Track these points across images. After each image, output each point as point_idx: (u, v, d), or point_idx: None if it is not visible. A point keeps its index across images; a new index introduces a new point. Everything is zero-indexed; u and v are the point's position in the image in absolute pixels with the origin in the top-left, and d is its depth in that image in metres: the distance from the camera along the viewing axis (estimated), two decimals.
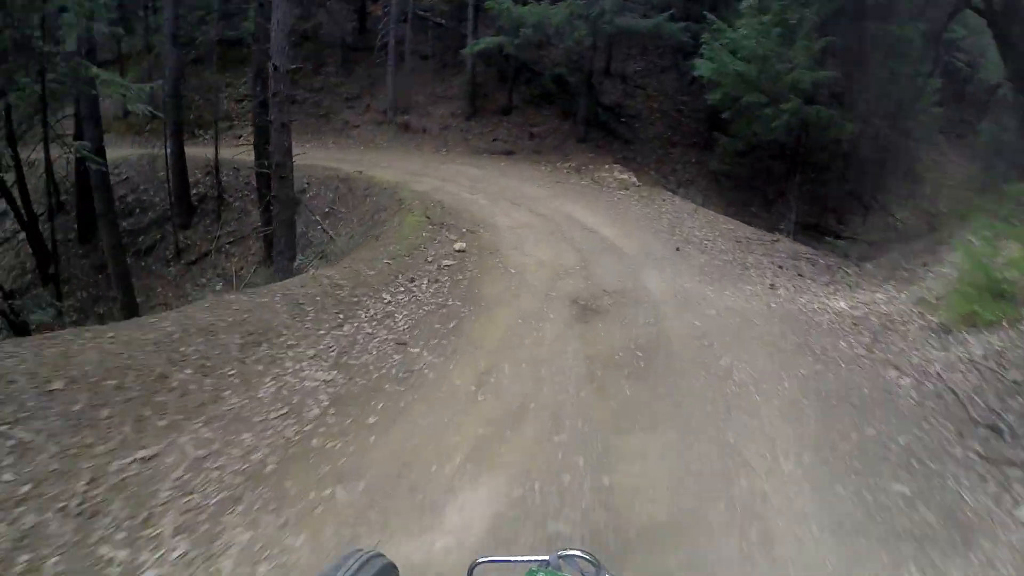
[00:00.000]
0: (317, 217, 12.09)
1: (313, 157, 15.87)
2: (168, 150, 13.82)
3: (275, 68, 8.29)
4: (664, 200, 12.33)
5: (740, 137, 15.77)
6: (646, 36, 22.40)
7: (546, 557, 1.28)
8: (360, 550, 1.12)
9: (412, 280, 7.14)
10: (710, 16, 13.56)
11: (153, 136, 20.85)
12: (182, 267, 13.49)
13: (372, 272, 7.26)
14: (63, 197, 14.63)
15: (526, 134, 17.44)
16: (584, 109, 17.02)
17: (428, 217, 9.53)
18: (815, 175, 18.17)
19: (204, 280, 12.86)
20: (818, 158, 17.24)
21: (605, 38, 15.81)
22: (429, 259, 7.89)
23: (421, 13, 21.99)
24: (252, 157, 14.12)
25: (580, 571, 1.26)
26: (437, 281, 7.18)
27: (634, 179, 14.19)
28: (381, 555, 1.13)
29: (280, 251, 8.99)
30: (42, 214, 14.03)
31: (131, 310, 10.62)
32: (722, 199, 17.11)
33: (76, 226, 13.82)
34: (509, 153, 16.43)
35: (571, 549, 1.28)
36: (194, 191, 15.03)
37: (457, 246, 8.32)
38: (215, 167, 14.60)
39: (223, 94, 21.10)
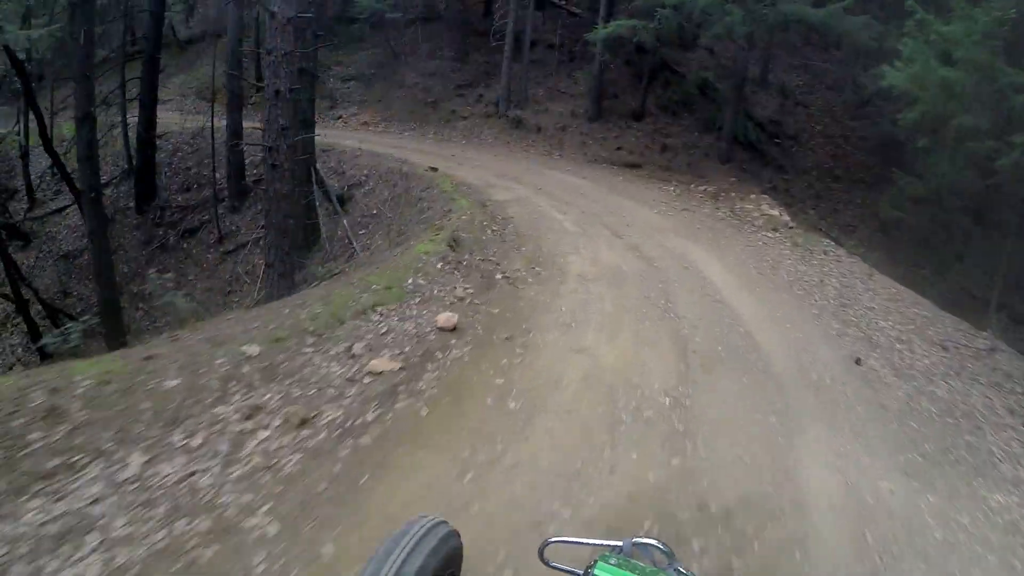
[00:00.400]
0: (346, 221, 10.02)
1: (404, 148, 13.93)
2: (225, 124, 12.20)
3: (272, 15, 6.09)
4: (826, 253, 9.07)
5: (930, 176, 11.97)
6: (815, 35, 18.99)
7: (619, 542, 1.30)
8: (425, 516, 1.22)
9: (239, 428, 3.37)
10: (912, 2, 9.89)
11: (255, 110, 19.94)
12: (219, 255, 11.90)
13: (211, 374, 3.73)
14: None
15: (657, 145, 14.51)
16: (731, 122, 13.83)
17: (452, 245, 6.52)
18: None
19: (240, 272, 11.14)
20: None
21: (764, 30, 12.51)
22: (355, 351, 4.32)
23: (554, 1, 19.62)
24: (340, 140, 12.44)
25: (652, 559, 1.29)
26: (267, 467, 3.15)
27: (786, 217, 10.94)
28: (445, 522, 1.24)
29: (270, 263, 6.82)
30: (108, 183, 13.02)
31: (111, 310, 8.92)
32: (887, 255, 13.35)
33: (135, 195, 12.59)
34: (633, 166, 13.60)
35: (646, 537, 1.34)
36: (254, 172, 13.44)
37: (442, 319, 4.87)
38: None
39: (330, 72, 19.73)
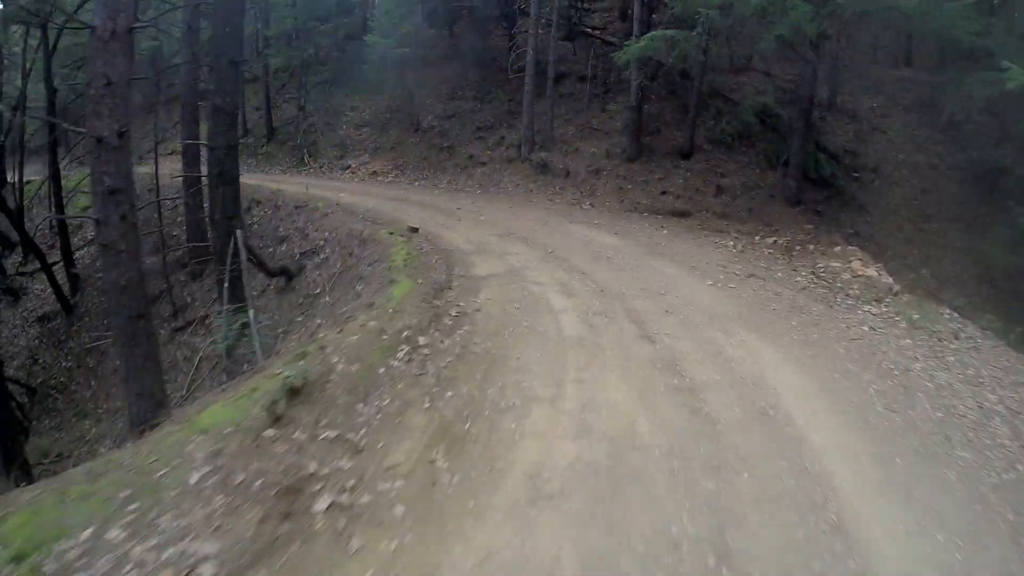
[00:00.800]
0: (253, 315, 7.40)
1: (405, 202, 11.95)
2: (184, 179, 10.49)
3: (92, 30, 4.02)
4: (957, 337, 6.25)
5: None
6: (882, 51, 16.57)
7: None
8: None
9: None
10: None
11: (267, 160, 18.45)
12: (169, 333, 10.02)
13: None
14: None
15: (710, 187, 12.01)
16: (799, 155, 11.21)
17: (276, 410, 3.51)
18: None
19: (189, 352, 9.16)
20: None
21: (837, 26, 9.86)
22: None
23: (587, 30, 17.58)
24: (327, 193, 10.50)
25: None
26: None
27: (887, 278, 8.25)
28: None
29: (125, 377, 4.63)
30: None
31: None
32: (1001, 310, 10.42)
33: None
34: (681, 214, 11.14)
35: None
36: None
37: None
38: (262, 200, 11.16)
39: (344, 119, 18.14)
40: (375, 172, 15.67)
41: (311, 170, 16.85)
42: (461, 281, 6.48)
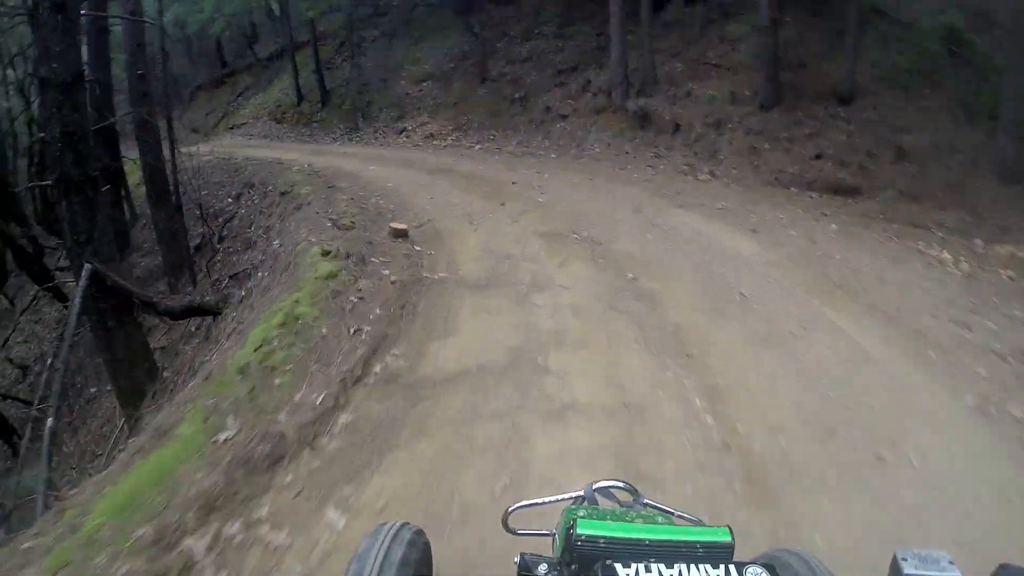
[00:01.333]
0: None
1: (450, 173, 9.13)
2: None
3: None
4: None
5: None
6: None
7: (580, 492, 1.28)
8: (386, 523, 1.07)
9: None
10: None
11: (322, 127, 16.10)
12: None
13: None
14: None
15: (887, 149, 8.23)
16: (1018, 105, 7.30)
17: None
18: None
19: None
20: None
21: None
22: None
23: None
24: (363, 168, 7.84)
25: (618, 500, 1.27)
26: None
27: None
28: (407, 524, 1.09)
29: None
30: None
31: None
32: None
33: None
34: (850, 192, 7.57)
35: (605, 480, 1.30)
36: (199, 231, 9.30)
37: None
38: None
39: (402, 72, 15.37)
40: (431, 135, 12.87)
41: (363, 136, 14.29)
42: (361, 415, 3.27)
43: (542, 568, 1.00)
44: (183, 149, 8.98)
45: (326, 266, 4.66)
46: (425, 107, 14.04)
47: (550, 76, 12.61)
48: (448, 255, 5.59)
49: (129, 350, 5.68)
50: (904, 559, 0.82)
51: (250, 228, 8.19)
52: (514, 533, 1.28)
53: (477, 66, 13.96)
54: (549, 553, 1.10)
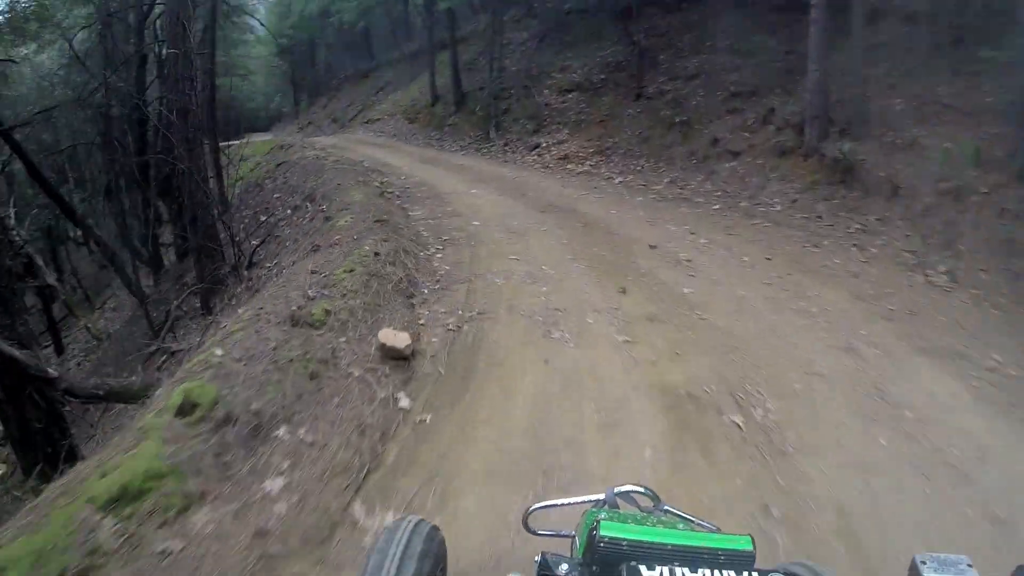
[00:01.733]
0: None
1: (576, 211, 7.33)
2: None
3: None
4: None
5: None
6: None
7: (601, 496, 1.27)
8: (404, 519, 1.11)
9: None
10: None
11: (453, 133, 14.85)
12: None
13: None
14: None
15: None
16: None
17: None
18: None
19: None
20: None
21: None
22: None
23: None
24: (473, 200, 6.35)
25: (638, 505, 1.27)
26: None
27: None
28: (423, 520, 1.13)
29: None
30: None
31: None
32: None
33: None
34: None
35: (626, 485, 1.29)
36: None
37: None
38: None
39: (547, 81, 13.71)
40: (566, 156, 11.05)
41: (491, 148, 12.78)
42: None
43: (563, 568, 0.99)
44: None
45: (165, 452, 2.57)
46: (566, 122, 12.26)
47: (721, 100, 10.34)
48: (442, 449, 3.17)
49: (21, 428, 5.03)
50: (923, 563, 0.83)
51: (274, 259, 6.95)
52: (534, 533, 1.31)
53: (632, 79, 11.97)
54: (568, 554, 1.10)
